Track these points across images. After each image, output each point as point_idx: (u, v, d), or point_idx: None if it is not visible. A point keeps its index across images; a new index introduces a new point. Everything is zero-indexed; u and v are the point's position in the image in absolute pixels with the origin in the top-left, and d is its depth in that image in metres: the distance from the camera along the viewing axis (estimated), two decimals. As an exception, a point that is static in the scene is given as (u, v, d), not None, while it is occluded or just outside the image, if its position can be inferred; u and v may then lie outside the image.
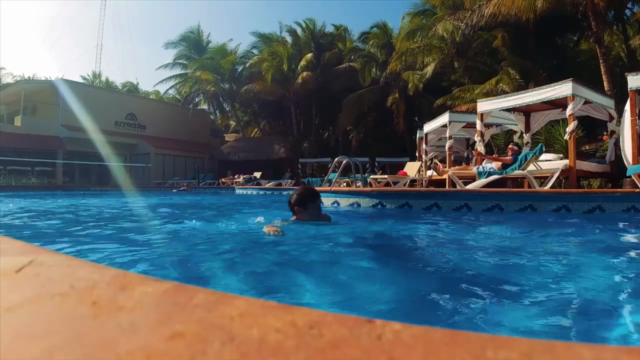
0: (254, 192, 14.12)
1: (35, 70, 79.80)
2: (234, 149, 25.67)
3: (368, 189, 7.37)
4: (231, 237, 3.32)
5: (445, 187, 8.86)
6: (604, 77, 11.70)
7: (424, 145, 12.38)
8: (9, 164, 19.79)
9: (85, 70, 78.02)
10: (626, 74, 7.37)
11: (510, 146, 7.78)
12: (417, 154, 13.72)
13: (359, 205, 6.05)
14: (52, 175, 21.26)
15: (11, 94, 22.38)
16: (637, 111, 7.04)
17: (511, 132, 11.32)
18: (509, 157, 7.31)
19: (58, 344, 0.33)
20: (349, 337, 0.33)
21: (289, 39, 25.58)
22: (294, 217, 3.32)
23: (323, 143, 26.45)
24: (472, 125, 9.91)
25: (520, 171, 6.99)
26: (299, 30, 25.04)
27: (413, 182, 10.65)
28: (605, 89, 11.27)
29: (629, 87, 7.11)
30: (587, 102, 7.70)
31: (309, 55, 23.03)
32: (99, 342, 0.33)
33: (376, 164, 20.41)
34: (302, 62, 22.85)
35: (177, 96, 30.80)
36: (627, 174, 6.71)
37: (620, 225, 4.27)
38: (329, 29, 25.58)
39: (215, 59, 26.94)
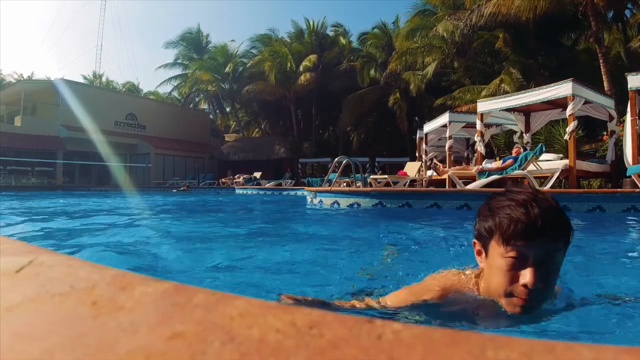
0: (254, 192, 14.17)
1: (35, 70, 79.75)
2: (234, 149, 25.66)
3: (368, 189, 7.38)
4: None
5: (445, 187, 8.86)
6: (604, 77, 11.69)
7: (424, 145, 12.38)
8: (9, 164, 19.77)
9: (85, 70, 78.02)
10: (626, 74, 7.37)
11: (517, 147, 7.81)
12: (417, 154, 13.72)
13: (359, 205, 6.06)
14: (52, 175, 21.24)
15: (11, 94, 22.37)
16: (637, 111, 7.04)
17: (511, 132, 11.32)
18: (509, 161, 7.32)
19: (58, 344, 0.33)
20: (349, 337, 0.33)
21: (289, 38, 25.55)
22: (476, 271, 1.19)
23: (323, 143, 26.44)
24: (472, 125, 9.91)
25: (520, 171, 6.99)
26: (302, 28, 25.01)
27: (413, 182, 10.66)
28: (605, 89, 11.26)
29: (629, 87, 7.11)
30: (587, 102, 7.70)
31: (313, 56, 22.91)
32: (99, 342, 0.33)
33: (376, 164, 20.42)
34: (306, 63, 22.67)
35: (177, 96, 30.81)
36: (627, 174, 6.71)
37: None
38: (327, 30, 25.58)
39: (215, 59, 26.93)
